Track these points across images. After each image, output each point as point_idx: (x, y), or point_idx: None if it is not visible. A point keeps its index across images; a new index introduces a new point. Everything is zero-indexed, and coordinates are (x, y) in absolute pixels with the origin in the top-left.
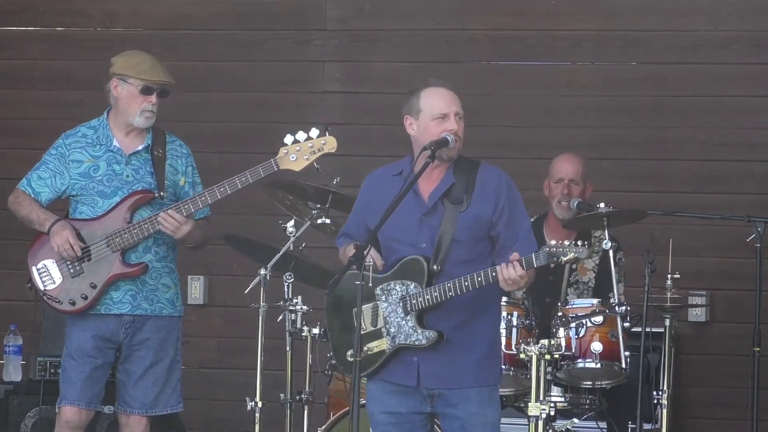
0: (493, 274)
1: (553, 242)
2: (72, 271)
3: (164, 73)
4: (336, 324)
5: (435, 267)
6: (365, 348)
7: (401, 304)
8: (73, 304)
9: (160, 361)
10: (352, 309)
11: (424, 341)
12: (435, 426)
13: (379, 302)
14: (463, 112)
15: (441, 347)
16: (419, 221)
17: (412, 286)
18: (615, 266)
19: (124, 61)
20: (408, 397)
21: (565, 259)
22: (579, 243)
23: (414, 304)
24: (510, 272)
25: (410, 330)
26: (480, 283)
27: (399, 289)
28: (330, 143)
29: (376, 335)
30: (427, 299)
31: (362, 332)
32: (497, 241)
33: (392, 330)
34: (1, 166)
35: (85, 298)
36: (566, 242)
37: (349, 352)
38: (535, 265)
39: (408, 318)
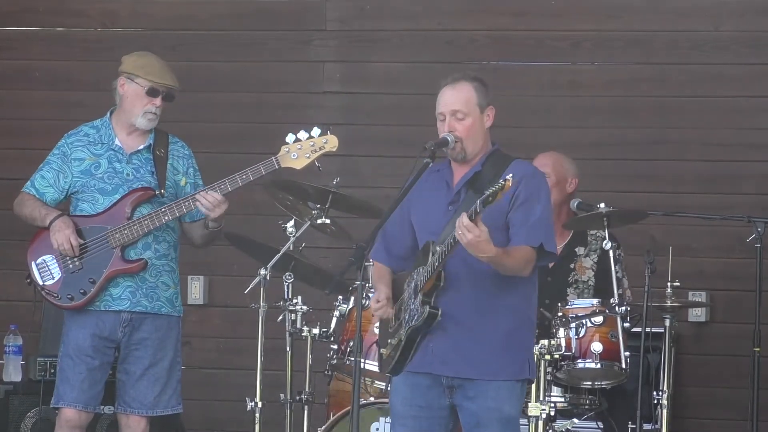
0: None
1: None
2: (71, 266)
3: (172, 77)
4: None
5: (438, 248)
6: (390, 341)
7: (414, 289)
8: (72, 299)
9: (159, 362)
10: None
11: (419, 318)
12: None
13: (403, 296)
14: (472, 107)
15: (454, 334)
16: (445, 210)
17: (421, 270)
18: (616, 264)
19: (134, 60)
20: (428, 389)
21: (490, 191)
22: (508, 177)
23: (418, 283)
24: (458, 221)
25: (415, 311)
26: (457, 242)
27: (415, 278)
28: (331, 142)
29: (399, 327)
30: (425, 275)
31: (391, 329)
32: (509, 227)
33: (407, 316)
34: (1, 167)
35: (84, 293)
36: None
37: (383, 350)
38: (478, 210)
39: (416, 300)
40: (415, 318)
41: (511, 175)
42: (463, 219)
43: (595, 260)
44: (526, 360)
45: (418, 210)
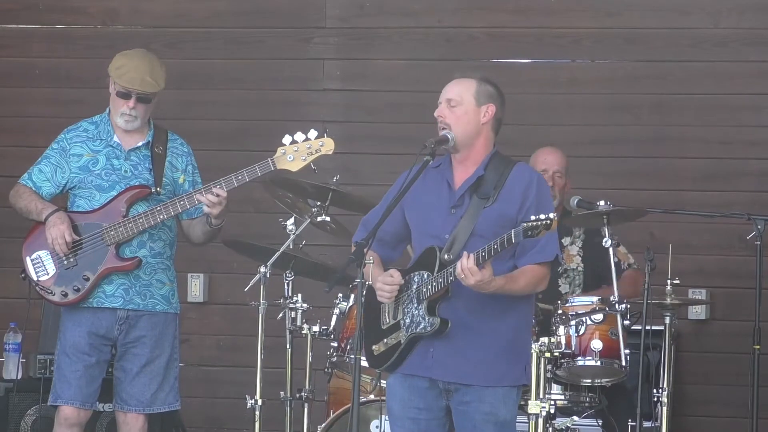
0: (483, 254)
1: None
2: (66, 263)
3: (146, 81)
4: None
5: (447, 256)
6: (384, 341)
7: (416, 294)
8: (66, 296)
9: (156, 359)
10: (379, 305)
11: (429, 328)
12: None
13: (400, 295)
14: (466, 98)
15: (456, 339)
16: (447, 213)
17: (425, 275)
18: (611, 247)
19: (115, 61)
20: (427, 391)
21: (530, 226)
22: (552, 216)
23: (424, 291)
24: (462, 261)
25: (420, 318)
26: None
27: (416, 280)
28: (328, 145)
29: (396, 327)
30: (434, 285)
31: (384, 326)
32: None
33: (407, 320)
34: (1, 164)
35: (78, 290)
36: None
37: (374, 347)
38: (487, 256)
39: (420, 306)
40: (421, 326)
41: (554, 215)
42: (468, 262)
43: (580, 246)
44: (525, 365)
45: (417, 207)
